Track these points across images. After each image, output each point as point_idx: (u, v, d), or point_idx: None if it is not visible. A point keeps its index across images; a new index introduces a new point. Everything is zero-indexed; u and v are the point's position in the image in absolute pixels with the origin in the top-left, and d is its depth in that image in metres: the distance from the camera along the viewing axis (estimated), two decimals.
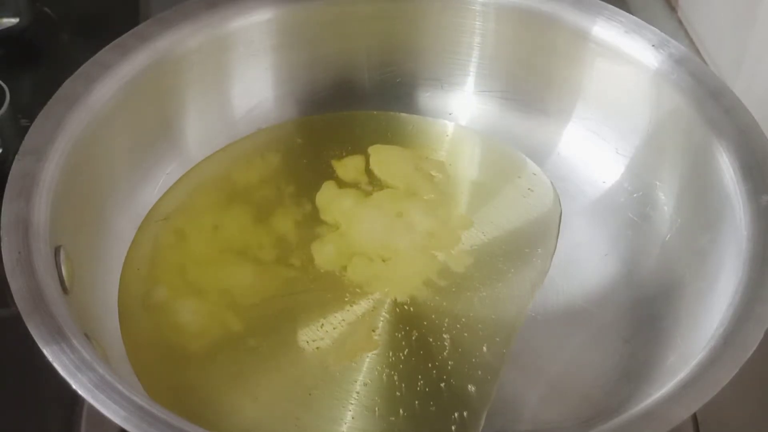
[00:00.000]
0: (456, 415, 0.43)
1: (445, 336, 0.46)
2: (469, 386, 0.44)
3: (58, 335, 0.36)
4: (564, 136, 0.54)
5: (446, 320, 0.47)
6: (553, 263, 0.50)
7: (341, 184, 0.53)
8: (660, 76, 0.49)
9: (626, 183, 0.52)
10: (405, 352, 0.45)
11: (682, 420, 0.35)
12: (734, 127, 0.46)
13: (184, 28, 0.50)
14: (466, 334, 0.46)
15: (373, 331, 0.46)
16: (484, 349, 0.46)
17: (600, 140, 0.53)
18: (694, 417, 0.44)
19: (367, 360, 0.45)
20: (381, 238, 0.51)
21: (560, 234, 0.51)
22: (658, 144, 0.50)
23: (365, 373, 0.44)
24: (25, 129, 0.44)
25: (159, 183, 0.51)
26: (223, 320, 0.46)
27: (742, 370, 0.36)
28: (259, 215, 0.51)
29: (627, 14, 0.51)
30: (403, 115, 0.57)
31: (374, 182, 0.53)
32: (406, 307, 0.47)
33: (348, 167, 0.54)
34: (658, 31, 0.51)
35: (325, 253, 0.50)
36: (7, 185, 0.41)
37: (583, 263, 0.50)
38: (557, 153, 0.54)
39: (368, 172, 0.54)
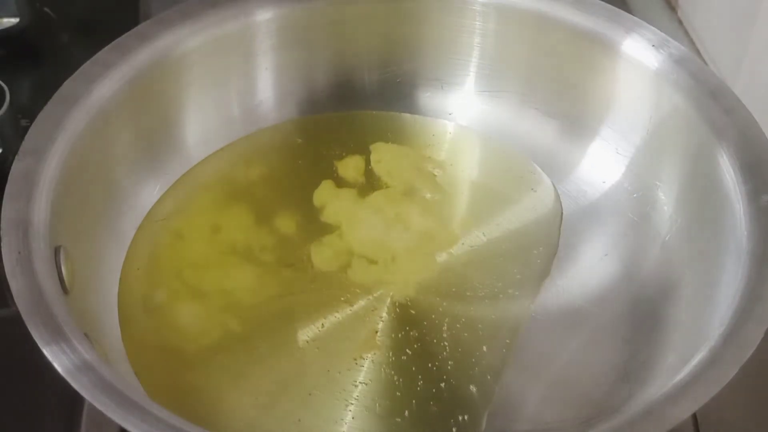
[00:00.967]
0: (457, 415, 0.43)
1: (445, 336, 0.46)
2: (470, 387, 0.44)
3: (58, 335, 0.36)
4: (564, 136, 0.54)
5: (446, 320, 0.47)
6: (553, 263, 0.50)
7: (341, 184, 0.53)
8: (660, 76, 0.49)
9: (626, 183, 0.52)
10: (405, 352, 0.45)
11: (682, 420, 0.35)
12: (734, 127, 0.46)
13: (184, 28, 0.50)
14: (466, 334, 0.46)
15: (374, 331, 0.46)
16: (484, 349, 0.46)
17: (600, 140, 0.53)
18: (694, 417, 0.44)
19: (368, 360, 0.45)
20: (381, 238, 0.51)
21: (560, 234, 0.51)
22: (658, 144, 0.50)
23: (365, 373, 0.44)
24: (25, 129, 0.44)
25: (159, 183, 0.51)
26: (223, 320, 0.46)
27: (742, 370, 0.36)
28: (259, 215, 0.51)
29: (627, 14, 0.51)
30: (404, 115, 0.57)
31: (374, 182, 0.53)
32: (406, 307, 0.47)
33: (348, 167, 0.54)
34: (658, 31, 0.51)
35: (325, 254, 0.50)
36: (7, 185, 0.41)
37: (583, 263, 0.50)
38: (557, 153, 0.54)
39: (368, 172, 0.54)
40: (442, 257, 0.50)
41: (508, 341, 0.46)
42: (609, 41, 0.51)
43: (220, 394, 0.43)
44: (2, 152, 0.54)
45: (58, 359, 0.35)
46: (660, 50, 0.50)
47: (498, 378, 0.44)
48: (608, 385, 0.44)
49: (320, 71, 0.56)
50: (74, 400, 0.44)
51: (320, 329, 0.46)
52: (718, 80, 0.48)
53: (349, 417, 0.43)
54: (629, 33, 0.51)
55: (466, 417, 0.43)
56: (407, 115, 0.57)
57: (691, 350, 0.39)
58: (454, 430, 0.42)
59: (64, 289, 0.40)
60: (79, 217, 0.45)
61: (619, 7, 0.52)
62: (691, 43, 0.66)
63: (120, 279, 0.47)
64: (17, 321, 0.36)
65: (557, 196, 0.53)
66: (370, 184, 0.53)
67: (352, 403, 0.43)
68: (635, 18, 0.51)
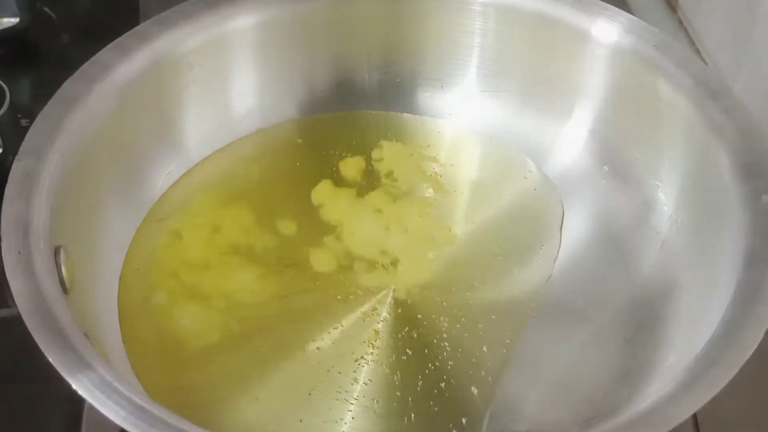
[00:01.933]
0: (457, 415, 0.43)
1: (445, 336, 0.46)
2: (470, 387, 0.44)
3: (58, 335, 0.36)
4: (564, 136, 0.54)
5: (446, 320, 0.47)
6: (554, 263, 0.49)
7: (341, 183, 0.53)
8: (660, 76, 0.49)
9: (626, 183, 0.52)
10: (405, 352, 0.45)
11: (682, 420, 0.35)
12: (734, 127, 0.46)
13: (184, 28, 0.50)
14: (466, 335, 0.46)
15: (374, 331, 0.46)
16: (485, 349, 0.46)
17: (600, 140, 0.53)
18: (694, 417, 0.44)
19: (368, 360, 0.45)
20: (381, 238, 0.51)
21: (561, 234, 0.51)
22: (659, 144, 0.50)
23: (366, 373, 0.44)
24: (25, 129, 0.44)
25: (159, 183, 0.51)
26: (223, 320, 0.46)
27: (742, 370, 0.36)
28: (259, 215, 0.51)
29: (627, 14, 0.51)
30: (404, 115, 0.57)
31: (374, 182, 0.53)
32: (406, 307, 0.47)
33: (348, 167, 0.54)
34: (658, 31, 0.51)
35: (325, 254, 0.50)
36: (7, 185, 0.41)
37: (583, 263, 0.50)
38: (557, 153, 0.54)
39: (368, 171, 0.54)
40: (442, 257, 0.50)
41: (508, 341, 0.46)
42: (609, 41, 0.51)
43: (220, 394, 0.43)
44: (2, 152, 0.53)
45: (58, 359, 0.35)
46: (660, 50, 0.50)
47: (498, 378, 0.44)
48: (608, 385, 0.44)
49: (320, 71, 0.56)
50: (74, 400, 0.44)
51: (320, 329, 0.46)
52: (718, 80, 0.48)
53: (349, 417, 0.43)
54: (629, 33, 0.51)
55: (466, 417, 0.43)
56: (407, 115, 0.57)
57: (691, 350, 0.39)
58: (454, 430, 0.42)
59: (64, 289, 0.40)
60: (79, 217, 0.45)
61: (619, 7, 0.52)
62: (691, 43, 0.66)
63: (120, 279, 0.47)
64: (17, 321, 0.36)
65: (558, 196, 0.53)
66: (370, 183, 0.53)
67: (352, 403, 0.43)
68: (635, 18, 0.51)
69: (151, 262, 0.48)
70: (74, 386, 0.35)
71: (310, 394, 0.43)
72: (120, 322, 0.45)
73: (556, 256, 0.50)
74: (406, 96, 0.57)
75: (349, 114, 0.56)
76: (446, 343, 0.46)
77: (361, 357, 0.45)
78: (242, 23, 0.52)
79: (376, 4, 0.54)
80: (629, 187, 0.51)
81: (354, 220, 0.51)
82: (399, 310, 0.47)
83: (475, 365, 0.45)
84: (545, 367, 0.45)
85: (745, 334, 0.38)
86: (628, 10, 0.52)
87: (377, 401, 0.43)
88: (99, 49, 0.48)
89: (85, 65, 0.47)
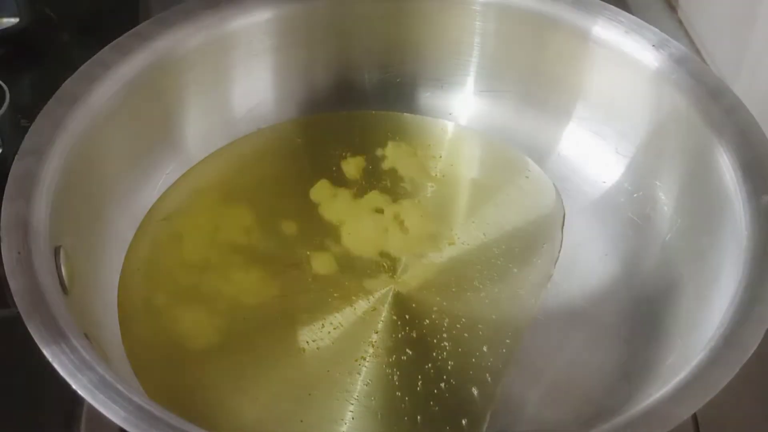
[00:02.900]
0: (457, 415, 0.43)
1: (445, 336, 0.46)
2: (470, 387, 0.44)
3: (58, 335, 0.36)
4: (564, 136, 0.54)
5: (446, 320, 0.47)
6: (554, 263, 0.49)
7: (341, 183, 0.53)
8: (660, 76, 0.49)
9: (626, 183, 0.52)
10: (405, 353, 0.45)
11: (682, 420, 0.35)
12: (734, 127, 0.46)
13: (184, 28, 0.50)
14: (466, 335, 0.46)
15: (374, 331, 0.46)
16: (485, 349, 0.46)
17: (600, 140, 0.53)
18: (694, 417, 0.44)
19: (368, 360, 0.45)
20: (381, 238, 0.51)
21: (561, 234, 0.51)
22: (659, 144, 0.50)
23: (365, 373, 0.44)
24: (25, 129, 0.44)
25: (159, 183, 0.51)
26: (223, 320, 0.46)
27: (742, 370, 0.36)
28: (259, 215, 0.51)
29: (627, 14, 0.51)
30: (404, 115, 0.57)
31: (374, 182, 0.53)
32: (406, 307, 0.47)
33: (348, 167, 0.54)
34: (658, 31, 0.51)
35: (325, 254, 0.50)
36: (7, 185, 0.41)
37: (583, 263, 0.50)
38: (557, 153, 0.54)
39: (368, 171, 0.54)
40: (442, 257, 0.50)
41: (508, 341, 0.46)
42: (609, 41, 0.51)
43: (220, 394, 0.43)
44: (2, 152, 0.54)
45: (58, 359, 0.35)
46: (660, 50, 0.50)
47: (498, 378, 0.44)
48: (608, 385, 0.44)
49: (320, 71, 0.56)
50: (74, 400, 0.44)
51: (321, 329, 0.46)
52: (718, 80, 0.48)
53: (349, 417, 0.43)
54: (629, 33, 0.51)
55: (466, 417, 0.43)
56: (407, 115, 0.57)
57: (691, 350, 0.39)
58: (454, 430, 0.42)
59: (64, 289, 0.40)
60: (79, 217, 0.45)
61: (619, 7, 0.52)
62: (691, 43, 0.66)
63: (120, 279, 0.47)
64: (17, 321, 0.36)
65: (559, 196, 0.53)
66: (370, 183, 0.53)
67: (352, 403, 0.43)
68: (635, 18, 0.51)
69: (151, 262, 0.48)
70: (74, 386, 0.35)
71: (310, 394, 0.43)
72: (120, 322, 0.45)
73: (557, 256, 0.50)
74: (406, 96, 0.57)
75: (350, 114, 0.56)
76: (446, 343, 0.46)
77: (361, 357, 0.45)
78: (242, 23, 0.52)
79: (376, 4, 0.54)
80: (629, 186, 0.51)
81: (354, 220, 0.51)
82: (399, 310, 0.47)
83: (476, 365, 0.45)
84: (545, 367, 0.45)
85: (745, 334, 0.38)
86: (628, 10, 0.52)
87: (377, 401, 0.43)
88: (99, 49, 0.48)
89: (85, 65, 0.47)
